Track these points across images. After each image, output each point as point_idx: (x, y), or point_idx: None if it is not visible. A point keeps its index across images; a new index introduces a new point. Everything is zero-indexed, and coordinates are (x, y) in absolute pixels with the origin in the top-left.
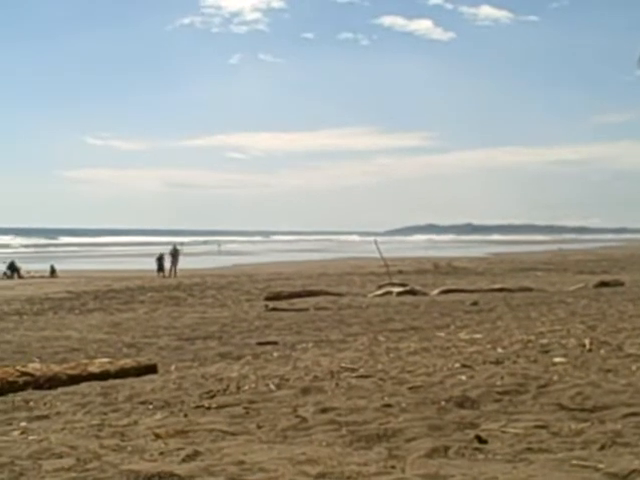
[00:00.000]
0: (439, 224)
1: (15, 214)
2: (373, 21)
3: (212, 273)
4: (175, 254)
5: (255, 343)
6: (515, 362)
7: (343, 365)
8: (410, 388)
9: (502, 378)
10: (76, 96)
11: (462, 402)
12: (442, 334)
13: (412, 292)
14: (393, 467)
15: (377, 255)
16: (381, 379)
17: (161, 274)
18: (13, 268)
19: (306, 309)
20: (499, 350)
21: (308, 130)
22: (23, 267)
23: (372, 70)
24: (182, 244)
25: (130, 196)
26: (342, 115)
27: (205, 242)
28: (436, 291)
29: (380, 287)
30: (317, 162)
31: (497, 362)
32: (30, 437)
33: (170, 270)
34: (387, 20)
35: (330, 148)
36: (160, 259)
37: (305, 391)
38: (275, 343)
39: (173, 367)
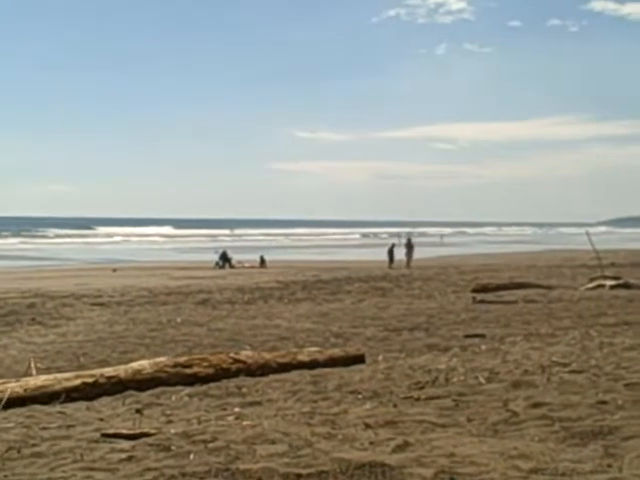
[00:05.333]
0: None
1: (231, 206)
2: (582, 6)
3: (419, 265)
4: (410, 245)
5: (462, 335)
6: None
7: (554, 359)
8: (626, 385)
9: None
10: (286, 90)
11: None
12: None
13: (626, 285)
14: (609, 465)
15: (589, 247)
16: (595, 375)
17: (392, 264)
18: (225, 258)
19: (514, 301)
20: None
21: (516, 119)
22: (234, 257)
23: (582, 57)
24: (398, 235)
25: (339, 188)
26: (551, 104)
27: (409, 233)
28: None
29: (592, 280)
30: (526, 152)
31: None
32: (244, 422)
33: (407, 260)
34: (597, 5)
35: (539, 137)
36: (391, 251)
37: (515, 385)
38: (483, 336)
39: (380, 357)
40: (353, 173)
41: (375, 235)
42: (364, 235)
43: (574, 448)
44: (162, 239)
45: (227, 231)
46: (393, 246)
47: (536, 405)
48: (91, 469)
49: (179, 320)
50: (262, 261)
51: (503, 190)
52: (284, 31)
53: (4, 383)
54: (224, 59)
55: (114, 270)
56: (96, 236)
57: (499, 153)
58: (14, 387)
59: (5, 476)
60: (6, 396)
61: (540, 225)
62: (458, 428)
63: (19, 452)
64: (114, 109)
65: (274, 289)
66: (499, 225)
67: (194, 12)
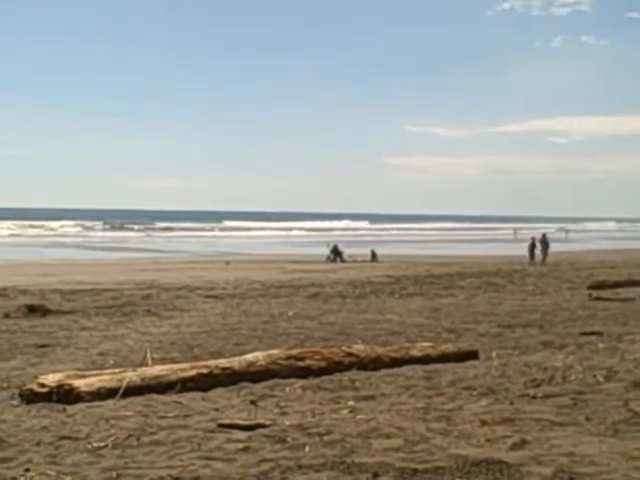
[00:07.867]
0: None
1: (341, 199)
2: None
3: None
4: (545, 242)
5: (578, 333)
6: None
7: None
8: None
9: None
10: (397, 84)
11: None
12: None
13: None
14: None
15: None
16: None
17: (532, 261)
18: (336, 252)
19: (632, 299)
20: None
21: (632, 113)
22: (345, 251)
23: None
24: (514, 231)
25: (450, 183)
26: None
27: (519, 228)
28: None
29: None
30: None
31: None
32: (358, 416)
33: (542, 257)
34: None
35: None
36: (533, 246)
37: (636, 384)
38: (600, 333)
39: (494, 354)
40: (466, 168)
41: (483, 229)
42: (470, 230)
43: None
44: (287, 233)
45: (342, 224)
46: (534, 241)
47: None
48: (208, 458)
49: (291, 313)
50: (373, 255)
51: (622, 185)
52: (397, 25)
53: (122, 372)
54: (339, 53)
55: (227, 263)
56: (223, 230)
57: (615, 147)
58: (132, 376)
59: (125, 463)
60: (124, 385)
61: None
62: (577, 427)
63: (138, 440)
64: (231, 103)
65: (385, 284)
66: (623, 221)
67: (310, 3)
